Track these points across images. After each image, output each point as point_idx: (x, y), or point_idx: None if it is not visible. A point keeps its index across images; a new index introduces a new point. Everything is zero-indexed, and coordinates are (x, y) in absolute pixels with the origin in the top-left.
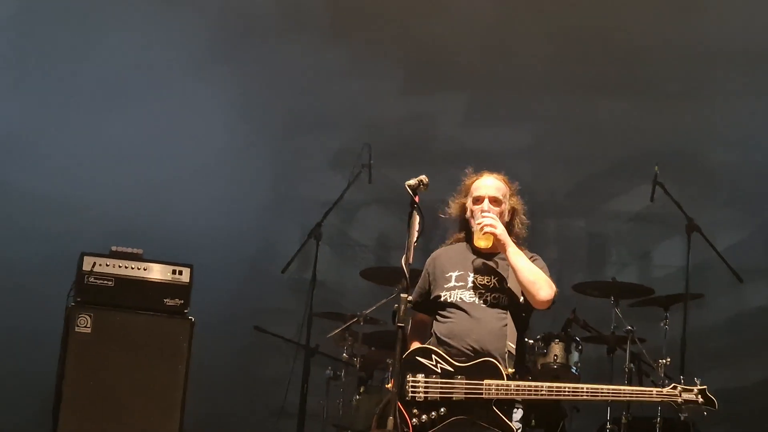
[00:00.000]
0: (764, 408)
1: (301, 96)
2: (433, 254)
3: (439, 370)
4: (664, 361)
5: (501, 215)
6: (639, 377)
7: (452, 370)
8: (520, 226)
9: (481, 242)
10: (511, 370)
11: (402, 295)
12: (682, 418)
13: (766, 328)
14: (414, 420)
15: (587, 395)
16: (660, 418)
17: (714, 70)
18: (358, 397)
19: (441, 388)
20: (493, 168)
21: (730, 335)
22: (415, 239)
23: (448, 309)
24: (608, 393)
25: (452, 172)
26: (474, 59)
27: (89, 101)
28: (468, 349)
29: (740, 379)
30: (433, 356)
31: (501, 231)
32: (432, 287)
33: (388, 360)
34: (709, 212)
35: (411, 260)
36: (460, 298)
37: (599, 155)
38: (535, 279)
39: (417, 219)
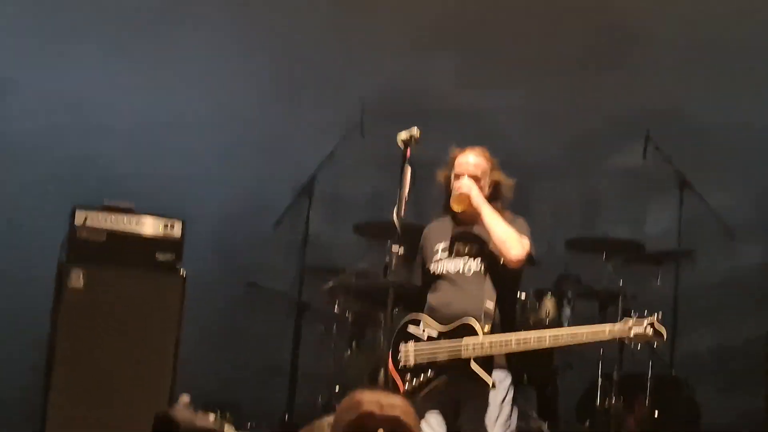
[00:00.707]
0: (755, 365)
1: (295, 52)
2: (425, 230)
3: (425, 337)
4: (656, 316)
5: (481, 190)
6: None
7: (436, 335)
8: (504, 195)
9: (455, 205)
10: (487, 329)
11: (394, 248)
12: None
13: (758, 286)
14: (406, 385)
15: (550, 341)
16: (651, 375)
17: (707, 31)
18: (349, 352)
19: (427, 352)
20: (487, 125)
21: (722, 293)
22: (407, 193)
23: (438, 280)
24: (568, 336)
25: (445, 129)
26: (468, 18)
27: (79, 46)
28: (452, 316)
29: (732, 336)
30: (421, 324)
31: (476, 194)
32: (425, 262)
33: (380, 315)
34: (701, 171)
35: (403, 214)
36: (446, 270)
37: (592, 114)
38: (506, 238)
39: (409, 172)
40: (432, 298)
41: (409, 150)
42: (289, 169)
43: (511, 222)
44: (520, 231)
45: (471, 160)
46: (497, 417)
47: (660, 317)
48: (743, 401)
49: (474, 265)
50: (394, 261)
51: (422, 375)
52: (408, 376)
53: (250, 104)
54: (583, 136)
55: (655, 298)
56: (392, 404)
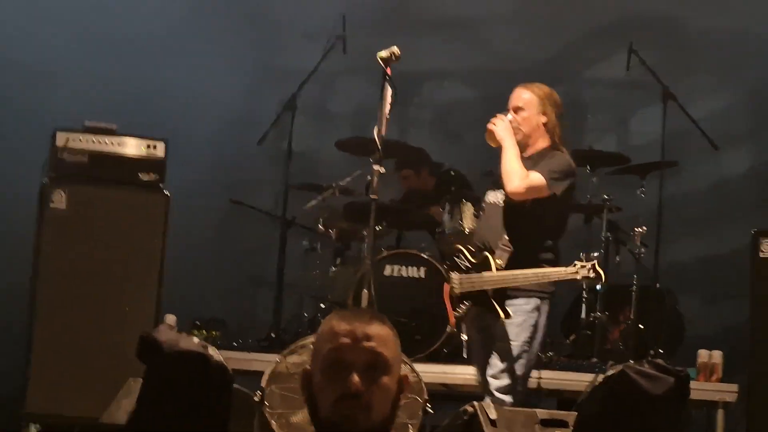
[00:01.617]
0: (739, 273)
1: None
2: None
3: (464, 268)
4: (641, 229)
5: (526, 120)
6: (616, 246)
7: (469, 266)
8: (551, 130)
9: (487, 141)
10: (500, 262)
11: (375, 167)
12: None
13: (742, 195)
14: (457, 312)
15: (521, 280)
16: (636, 286)
17: None
18: (334, 268)
19: (466, 282)
20: (472, 34)
21: (707, 203)
22: (387, 111)
23: (482, 209)
24: (533, 275)
25: (429, 39)
26: None
27: None
28: (478, 244)
29: (716, 246)
30: (461, 255)
31: (500, 129)
32: None
33: (364, 231)
34: (686, 79)
35: (384, 132)
36: (487, 199)
37: (578, 22)
38: (509, 171)
39: (389, 91)
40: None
41: (389, 69)
42: (272, 85)
43: (548, 158)
44: (546, 167)
45: (516, 94)
46: (518, 340)
47: (645, 230)
48: (727, 312)
49: (509, 198)
50: (375, 180)
51: (462, 305)
52: (456, 304)
53: (231, 19)
54: (569, 46)
55: (639, 210)
56: (367, 334)
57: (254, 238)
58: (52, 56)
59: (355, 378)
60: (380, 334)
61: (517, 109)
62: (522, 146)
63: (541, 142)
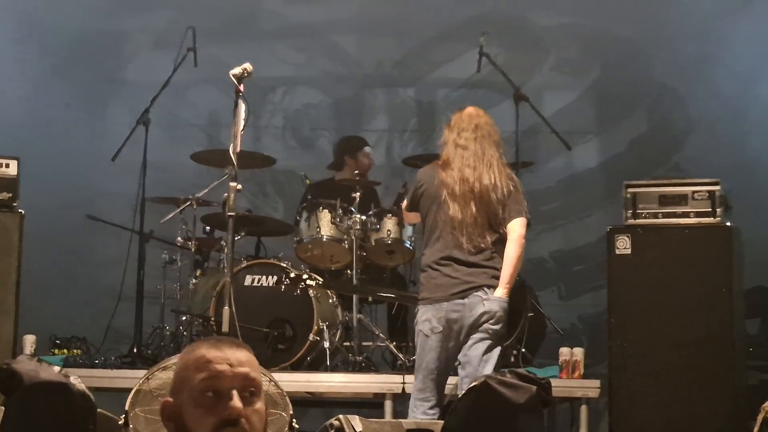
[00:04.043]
0: (597, 266)
1: None
2: None
3: None
4: None
5: None
6: None
7: None
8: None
9: None
10: None
11: (231, 184)
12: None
13: (595, 189)
14: None
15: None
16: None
17: None
18: (194, 280)
19: None
20: (320, 41)
21: (562, 198)
22: (241, 128)
23: None
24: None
25: (278, 47)
26: None
27: None
28: None
29: (573, 240)
30: None
31: None
32: None
33: (222, 242)
34: (537, 77)
35: (239, 148)
36: None
37: (425, 23)
38: None
39: (242, 108)
40: None
41: (242, 85)
42: (124, 98)
43: None
44: None
45: None
46: None
47: None
48: (586, 304)
49: None
50: (231, 196)
51: None
52: None
53: (75, 35)
54: (417, 48)
55: None
56: (240, 360)
57: (112, 252)
58: None
59: (237, 402)
60: (251, 360)
61: None
62: None
63: None
